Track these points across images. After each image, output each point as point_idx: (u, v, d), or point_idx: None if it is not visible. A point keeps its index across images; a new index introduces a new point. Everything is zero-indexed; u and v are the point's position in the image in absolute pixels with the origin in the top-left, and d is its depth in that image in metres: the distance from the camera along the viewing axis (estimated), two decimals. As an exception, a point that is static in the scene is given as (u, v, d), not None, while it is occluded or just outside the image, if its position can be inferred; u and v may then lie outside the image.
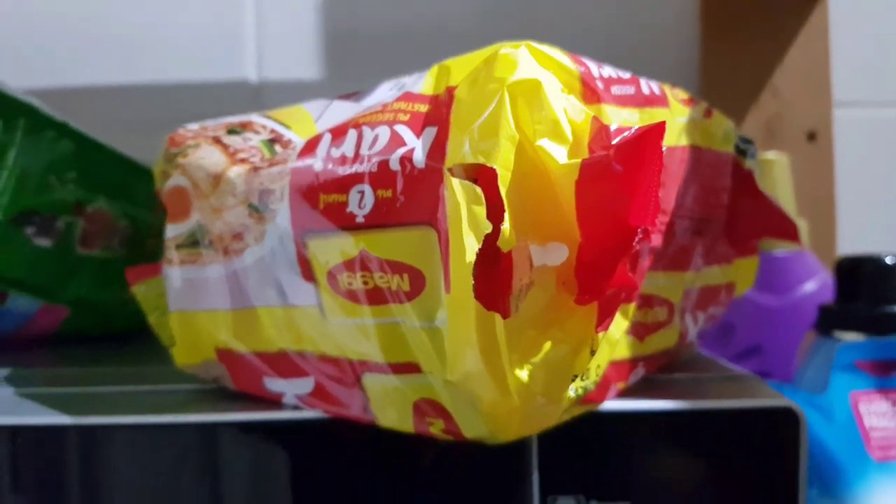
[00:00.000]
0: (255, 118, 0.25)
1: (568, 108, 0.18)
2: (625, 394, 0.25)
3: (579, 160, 0.17)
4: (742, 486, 0.24)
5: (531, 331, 0.19)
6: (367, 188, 0.20)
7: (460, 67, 0.20)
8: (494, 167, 0.17)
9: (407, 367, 0.21)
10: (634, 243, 0.17)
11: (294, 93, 0.60)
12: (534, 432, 0.21)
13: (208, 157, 0.24)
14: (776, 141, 0.58)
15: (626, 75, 0.22)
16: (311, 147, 0.22)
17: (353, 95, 0.24)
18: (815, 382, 0.37)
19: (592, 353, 0.19)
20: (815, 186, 0.58)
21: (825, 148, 0.59)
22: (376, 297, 0.20)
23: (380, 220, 0.20)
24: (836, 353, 0.36)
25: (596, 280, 0.18)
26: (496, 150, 0.18)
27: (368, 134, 0.20)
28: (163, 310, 0.28)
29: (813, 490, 0.34)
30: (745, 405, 0.24)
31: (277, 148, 0.23)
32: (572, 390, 0.20)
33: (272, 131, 0.24)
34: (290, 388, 0.24)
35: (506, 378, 0.19)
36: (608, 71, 0.21)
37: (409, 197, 0.19)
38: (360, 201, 0.20)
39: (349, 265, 0.21)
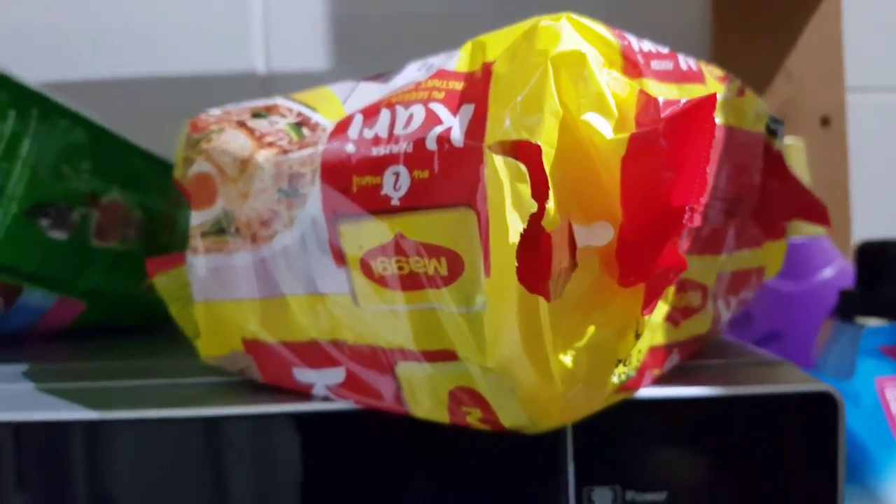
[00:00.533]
0: (280, 101, 0.24)
1: (611, 83, 0.18)
2: (659, 381, 0.24)
3: (627, 135, 0.17)
4: (780, 472, 0.23)
5: (575, 314, 0.18)
6: (402, 169, 0.19)
7: (496, 43, 0.20)
8: (539, 143, 0.17)
9: (443, 355, 0.21)
10: (684, 221, 0.17)
11: (302, 83, 0.59)
12: (575, 420, 0.21)
13: (234, 142, 0.23)
14: (790, 126, 0.57)
15: (665, 50, 0.21)
16: (342, 128, 0.21)
17: (381, 77, 0.24)
18: (838, 368, 0.37)
19: (637, 336, 0.19)
20: (828, 171, 0.58)
21: (839, 133, 0.58)
22: (412, 282, 0.20)
23: (416, 202, 0.19)
24: (863, 337, 0.36)
25: (640, 261, 0.18)
26: (540, 125, 0.17)
27: (402, 113, 0.20)
28: (185, 301, 0.27)
29: (842, 476, 0.33)
30: (783, 390, 0.24)
31: (305, 131, 0.23)
32: (615, 376, 0.20)
33: (299, 114, 0.23)
34: (321, 379, 0.23)
35: (548, 363, 0.18)
36: (648, 45, 0.20)
37: (446, 177, 0.19)
38: (396, 183, 0.19)
39: (384, 250, 0.20)
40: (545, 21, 0.18)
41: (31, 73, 0.56)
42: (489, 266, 0.18)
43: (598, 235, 0.18)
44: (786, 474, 0.23)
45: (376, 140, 0.20)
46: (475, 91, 0.19)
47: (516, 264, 0.17)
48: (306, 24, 0.60)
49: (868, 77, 0.61)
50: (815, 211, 0.30)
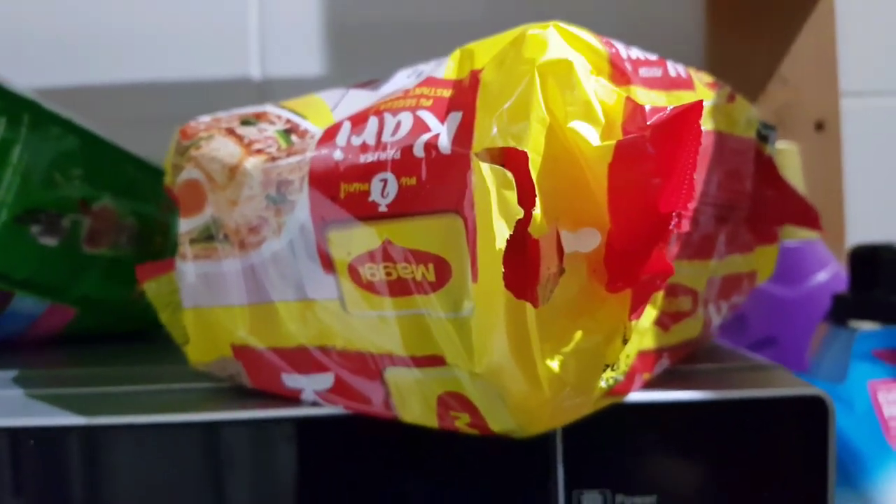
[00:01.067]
0: (270, 108, 0.24)
1: (598, 90, 0.18)
2: (650, 385, 0.24)
3: (613, 142, 0.17)
4: (771, 476, 0.23)
5: (562, 320, 0.18)
6: (390, 176, 0.19)
7: (484, 51, 0.20)
8: (525, 150, 0.17)
9: (431, 360, 0.21)
10: (671, 227, 0.17)
11: (298, 89, 0.59)
12: (563, 425, 0.20)
13: (223, 149, 0.23)
14: (785, 131, 0.57)
15: (653, 57, 0.21)
16: (330, 135, 0.21)
17: (370, 84, 0.24)
18: (832, 372, 0.37)
19: (625, 341, 0.19)
20: (823, 176, 0.58)
21: (833, 137, 0.58)
22: (400, 288, 0.20)
23: (404, 208, 0.19)
24: (856, 341, 0.36)
25: (627, 267, 0.18)
26: (527, 132, 0.17)
27: (390, 120, 0.20)
28: (175, 307, 0.27)
29: (835, 481, 0.33)
30: (774, 394, 0.24)
31: (294, 138, 0.23)
32: (603, 381, 0.20)
33: (287, 121, 0.23)
34: (310, 384, 0.23)
35: (536, 369, 0.18)
36: (636, 52, 0.20)
37: (434, 184, 0.19)
38: (383, 190, 0.19)
39: (372, 256, 0.20)
40: (532, 29, 0.18)
41: (25, 79, 0.56)
42: (476, 272, 0.18)
43: (586, 241, 0.18)
44: (776, 478, 0.23)
45: (364, 147, 0.20)
46: (463, 99, 0.19)
47: (503, 270, 0.17)
48: (302, 31, 0.60)
49: (862, 82, 0.61)
50: (807, 216, 0.30)
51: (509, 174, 0.17)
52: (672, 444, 0.23)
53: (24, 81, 0.36)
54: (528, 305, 0.18)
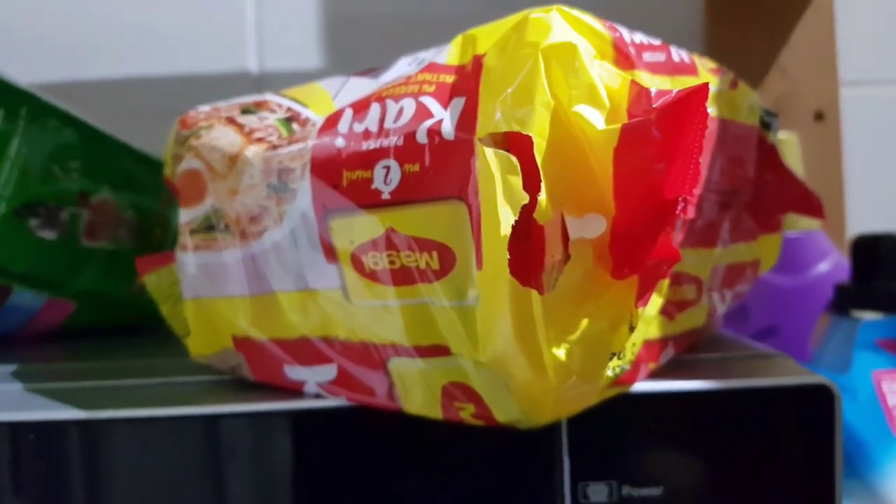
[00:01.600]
0: (270, 97, 0.24)
1: (602, 74, 0.18)
2: (655, 375, 0.24)
3: (619, 125, 0.17)
4: (778, 465, 0.23)
5: (568, 307, 0.18)
6: (392, 163, 0.19)
7: (486, 35, 0.19)
8: (530, 135, 0.17)
9: (435, 350, 0.20)
10: (678, 212, 0.16)
11: (295, 83, 0.59)
12: (569, 414, 0.20)
13: (223, 138, 0.23)
14: (784, 121, 0.57)
15: (657, 42, 0.21)
16: (332, 123, 0.21)
17: (371, 72, 0.24)
18: (835, 362, 0.37)
19: (632, 329, 0.19)
20: (823, 166, 0.57)
21: (833, 127, 0.58)
22: (403, 277, 0.20)
23: (407, 195, 0.19)
24: (859, 331, 0.36)
25: (633, 253, 0.18)
26: (531, 116, 0.17)
27: (392, 107, 0.20)
28: (175, 299, 0.27)
29: (839, 470, 0.33)
30: (780, 383, 0.24)
31: (295, 126, 0.22)
32: (609, 369, 0.19)
33: (288, 109, 0.23)
34: (312, 376, 0.23)
35: (542, 357, 0.18)
36: (640, 37, 0.20)
37: (437, 170, 0.19)
38: (386, 177, 0.19)
39: (374, 244, 0.20)
40: (535, 13, 0.18)
41: (23, 74, 0.56)
42: (481, 259, 0.18)
43: (591, 227, 0.18)
44: (783, 468, 0.23)
45: (366, 134, 0.20)
46: (466, 84, 0.19)
47: (508, 257, 0.17)
48: (299, 25, 0.59)
49: (861, 71, 0.61)
50: (809, 204, 0.30)
51: (514, 159, 0.17)
52: (678, 434, 0.23)
53: (21, 77, 0.36)
54: (534, 292, 0.17)
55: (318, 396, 0.23)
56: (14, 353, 0.34)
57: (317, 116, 0.22)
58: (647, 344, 0.23)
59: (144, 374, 0.28)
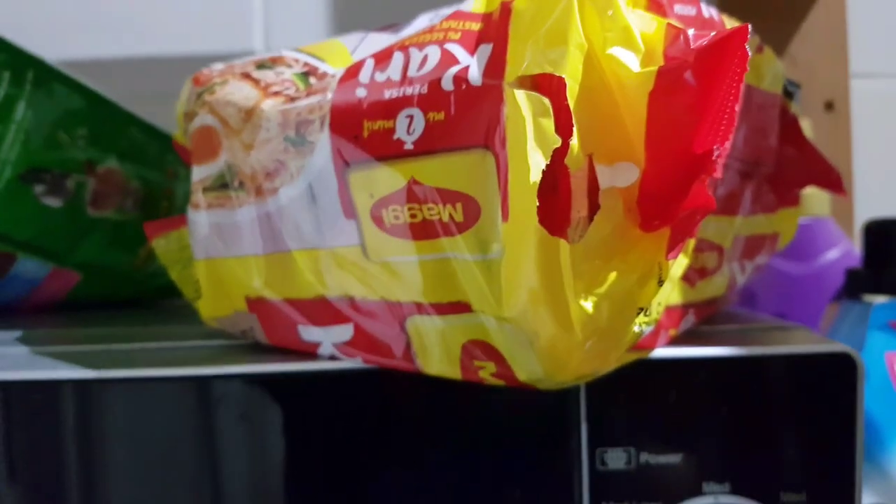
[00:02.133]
0: (286, 52, 0.24)
1: (636, 19, 0.17)
2: (675, 342, 0.23)
3: (655, 67, 0.16)
4: (799, 433, 0.23)
5: (596, 260, 0.18)
6: (416, 112, 0.19)
7: (514, -17, 0.19)
8: (563, 77, 0.16)
9: (456, 307, 0.20)
10: (714, 159, 0.16)
11: (301, 63, 0.58)
12: (592, 375, 0.20)
13: (238, 92, 0.22)
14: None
15: (687, -5, 0.20)
16: (352, 73, 0.20)
17: (391, 27, 0.23)
18: (847, 345, 0.36)
19: (661, 282, 0.18)
20: (832, 155, 0.57)
21: (843, 117, 0.58)
22: (425, 230, 0.19)
23: (431, 145, 0.18)
24: (872, 313, 0.35)
25: (664, 204, 0.17)
26: (564, 58, 0.16)
27: (416, 55, 0.19)
28: (185, 263, 0.26)
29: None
30: (802, 350, 0.23)
31: (312, 80, 0.22)
32: (637, 326, 0.19)
33: (305, 64, 0.23)
34: (328, 337, 0.22)
35: (568, 311, 0.18)
36: (671, -12, 0.20)
37: (463, 118, 0.18)
38: (409, 126, 0.19)
39: (396, 197, 0.19)
40: (568, -44, 0.18)
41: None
42: (507, 210, 0.17)
43: (623, 176, 0.17)
44: (804, 435, 0.23)
45: (389, 83, 0.19)
46: (493, 31, 0.18)
47: (537, 204, 0.16)
48: (306, 5, 0.59)
49: (872, 63, 0.60)
50: (829, 178, 0.29)
51: (546, 101, 0.16)
52: (697, 401, 0.23)
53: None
54: (563, 242, 0.17)
55: (333, 358, 0.23)
56: (16, 322, 0.34)
57: (335, 70, 0.22)
58: (668, 310, 0.22)
59: (150, 339, 0.27)
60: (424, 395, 0.22)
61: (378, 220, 0.20)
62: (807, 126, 0.50)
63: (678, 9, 0.19)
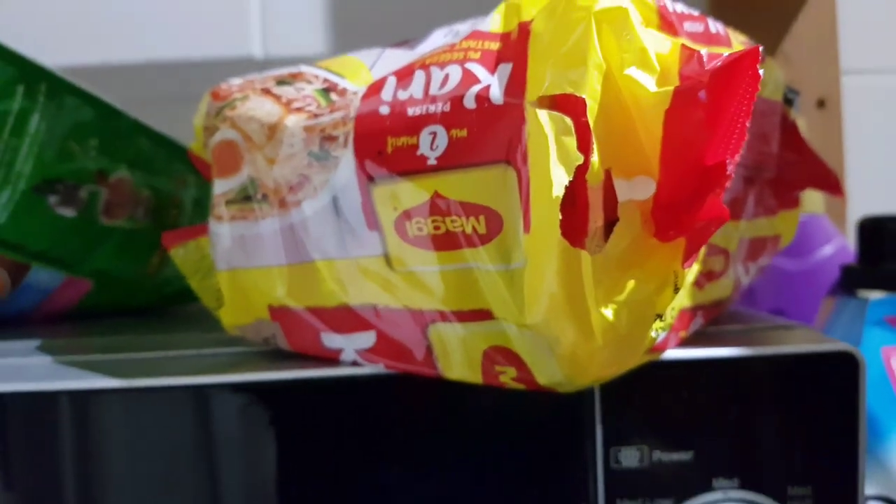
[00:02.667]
0: (305, 69, 0.24)
1: (651, 40, 0.18)
2: (685, 343, 0.24)
3: (671, 87, 0.17)
4: (804, 430, 0.24)
5: (615, 271, 0.18)
6: (439, 128, 0.19)
7: (530, 3, 0.20)
8: (583, 97, 0.17)
9: (477, 315, 0.21)
10: (727, 173, 0.17)
11: (301, 67, 0.59)
12: (610, 378, 0.21)
13: (260, 108, 0.23)
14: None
15: (696, 12, 0.21)
16: (375, 90, 0.21)
17: (405, 44, 0.24)
18: (843, 341, 0.37)
19: (676, 290, 0.19)
20: (825, 153, 0.58)
21: (834, 115, 0.59)
22: (448, 242, 0.20)
23: (454, 160, 0.19)
24: (868, 309, 0.36)
25: (679, 215, 0.18)
26: (584, 78, 0.17)
27: (438, 74, 0.20)
28: (205, 272, 0.27)
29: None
30: (806, 350, 0.24)
31: (333, 96, 0.22)
32: (654, 331, 0.20)
33: (325, 80, 0.23)
34: (350, 344, 0.23)
35: (589, 318, 0.18)
36: (680, 6, 0.21)
37: (485, 135, 0.19)
38: (433, 143, 0.19)
39: (419, 210, 0.20)
40: (584, -21, 0.18)
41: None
42: (529, 222, 0.18)
43: (640, 189, 0.18)
44: (809, 432, 0.24)
45: (412, 101, 0.20)
46: (512, 50, 0.19)
47: (560, 218, 0.17)
48: (304, 9, 0.59)
49: (863, 59, 0.61)
50: (828, 181, 0.30)
51: (568, 120, 0.17)
52: (707, 400, 0.24)
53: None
54: (584, 253, 0.18)
55: (354, 364, 0.23)
56: (30, 332, 0.34)
57: (355, 86, 0.22)
58: (679, 313, 0.23)
59: (169, 347, 0.28)
60: (442, 399, 0.23)
61: (402, 232, 0.21)
62: (800, 124, 0.51)
63: (688, 26, 0.20)
